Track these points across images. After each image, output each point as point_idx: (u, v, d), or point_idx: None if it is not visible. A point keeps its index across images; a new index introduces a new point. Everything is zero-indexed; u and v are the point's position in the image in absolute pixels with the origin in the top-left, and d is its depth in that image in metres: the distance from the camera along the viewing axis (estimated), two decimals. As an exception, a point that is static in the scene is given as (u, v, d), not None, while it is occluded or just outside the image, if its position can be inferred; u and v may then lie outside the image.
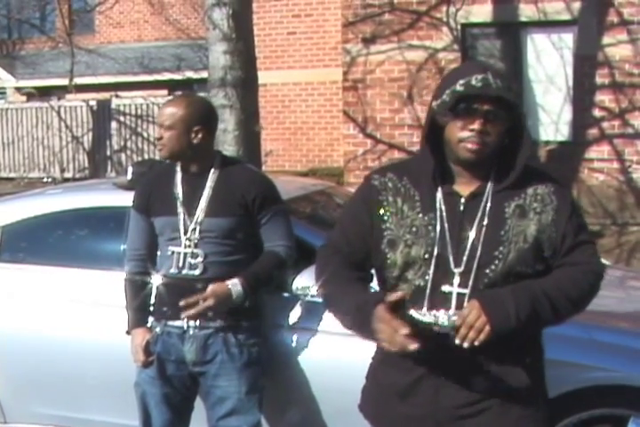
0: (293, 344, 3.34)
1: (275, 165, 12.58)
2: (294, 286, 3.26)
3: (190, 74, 16.30)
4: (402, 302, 2.00)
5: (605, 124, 9.17)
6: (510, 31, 9.51)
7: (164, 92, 16.30)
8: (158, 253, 3.21)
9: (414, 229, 2.15)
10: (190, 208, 3.09)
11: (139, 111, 15.16)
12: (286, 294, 3.33)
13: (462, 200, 2.16)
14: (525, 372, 2.16)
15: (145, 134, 15.04)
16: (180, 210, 3.10)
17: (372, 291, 2.16)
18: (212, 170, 3.13)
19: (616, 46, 9.01)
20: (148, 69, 16.89)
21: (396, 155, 9.74)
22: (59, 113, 15.63)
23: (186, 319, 3.08)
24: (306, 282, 3.20)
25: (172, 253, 3.10)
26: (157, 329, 3.17)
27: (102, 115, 15.44)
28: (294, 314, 3.33)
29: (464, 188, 2.17)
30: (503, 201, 2.15)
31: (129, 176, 3.78)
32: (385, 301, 1.99)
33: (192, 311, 2.95)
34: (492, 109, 2.07)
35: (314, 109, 12.77)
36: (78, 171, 15.53)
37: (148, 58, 17.36)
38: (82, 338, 3.65)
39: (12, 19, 21.24)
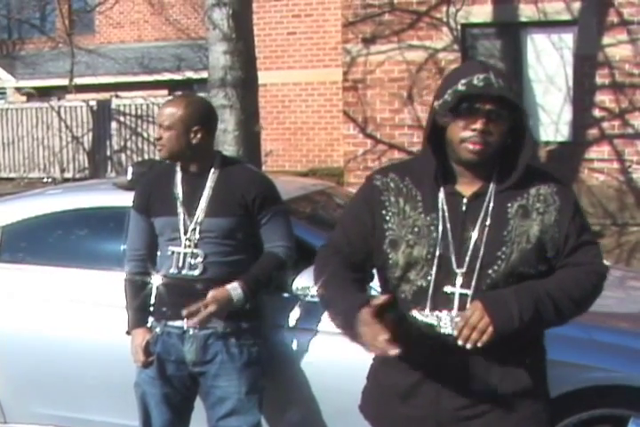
0: (293, 345, 3.33)
1: (275, 166, 12.58)
2: (294, 287, 3.26)
3: (190, 74, 16.30)
4: (387, 305, 1.99)
5: (605, 125, 9.17)
6: (510, 31, 9.51)
7: (164, 92, 16.30)
8: (158, 253, 3.21)
9: (416, 229, 2.15)
10: (190, 208, 3.09)
11: (139, 111, 15.16)
12: (286, 295, 3.33)
13: (464, 200, 2.15)
14: (528, 373, 2.16)
15: (145, 134, 15.04)
16: (180, 210, 3.09)
17: (362, 294, 2.11)
18: (212, 170, 3.12)
19: (616, 46, 9.01)
20: (148, 69, 16.89)
21: (396, 155, 9.74)
22: (59, 113, 15.64)
23: (186, 319, 3.08)
24: (306, 282, 3.20)
25: (172, 253, 3.10)
26: (157, 329, 3.17)
27: (102, 115, 15.44)
28: (294, 314, 3.33)
29: (466, 188, 2.16)
30: (506, 201, 2.14)
31: (129, 176, 3.78)
32: (370, 304, 1.97)
33: (195, 320, 2.95)
34: (494, 109, 2.06)
35: (314, 110, 12.77)
36: (78, 171, 15.53)
37: (148, 58, 17.36)
38: (82, 338, 3.65)
39: (12, 19, 21.23)
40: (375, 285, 2.42)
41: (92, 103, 15.55)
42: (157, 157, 3.91)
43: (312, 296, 3.18)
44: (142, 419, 3.23)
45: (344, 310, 2.05)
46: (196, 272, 3.06)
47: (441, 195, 2.16)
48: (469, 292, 2.09)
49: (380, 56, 9.85)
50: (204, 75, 7.77)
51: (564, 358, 2.96)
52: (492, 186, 2.15)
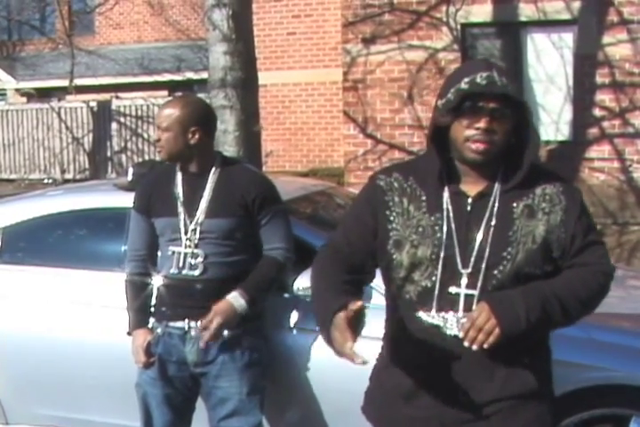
0: (294, 345, 3.33)
1: (275, 166, 12.58)
2: (295, 287, 3.26)
3: (190, 75, 16.30)
4: (363, 311, 1.94)
5: (606, 124, 9.16)
6: (510, 31, 9.51)
7: (165, 93, 16.30)
8: (159, 253, 3.21)
9: (420, 229, 2.13)
10: (191, 209, 3.09)
11: (139, 112, 15.17)
12: (287, 295, 3.33)
13: (469, 200, 2.13)
14: (533, 374, 2.14)
15: (145, 135, 15.05)
16: (181, 210, 3.09)
17: (344, 297, 2.02)
18: (213, 170, 3.12)
19: (616, 46, 9.01)
20: (148, 70, 16.89)
21: (397, 155, 9.74)
22: (59, 114, 15.64)
23: (187, 320, 3.08)
24: (306, 283, 3.18)
25: (173, 253, 3.10)
26: (158, 330, 3.17)
27: (103, 116, 15.45)
28: (295, 315, 3.33)
29: (471, 187, 2.14)
30: (511, 201, 2.13)
31: (129, 177, 3.78)
32: (347, 309, 1.93)
33: (207, 336, 2.96)
34: (498, 107, 2.05)
35: (314, 110, 12.77)
36: (79, 172, 15.54)
37: (148, 59, 17.36)
38: (83, 339, 3.65)
39: (12, 20, 21.22)
40: (375, 284, 2.42)
41: (93, 104, 15.56)
42: (158, 158, 3.92)
43: (313, 297, 3.18)
44: (143, 420, 3.22)
45: (322, 313, 2.03)
46: (197, 272, 3.06)
47: (445, 194, 2.14)
48: (475, 293, 2.07)
49: (380, 56, 9.85)
50: (205, 75, 7.77)
51: (564, 358, 2.94)
52: (497, 185, 2.13)
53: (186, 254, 3.07)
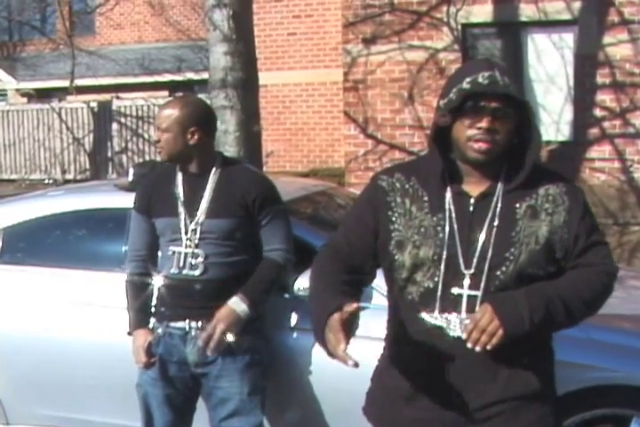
0: (295, 345, 3.33)
1: (276, 166, 12.58)
2: (296, 287, 3.26)
3: (191, 75, 16.30)
4: (358, 312, 1.93)
5: (606, 124, 9.16)
6: (511, 31, 9.51)
7: (165, 93, 16.30)
8: (159, 254, 3.21)
9: (422, 229, 2.12)
10: (191, 209, 3.08)
11: (139, 113, 15.17)
12: (288, 296, 3.33)
13: (472, 200, 2.12)
14: (536, 375, 2.13)
15: (146, 136, 15.05)
16: (181, 211, 3.09)
17: (340, 298, 2.01)
18: (213, 171, 3.12)
19: (617, 46, 9.00)
20: (149, 71, 16.89)
21: (397, 155, 9.73)
22: (60, 115, 15.65)
23: (187, 320, 3.08)
24: (307, 283, 3.19)
25: (173, 253, 3.10)
26: (159, 330, 3.17)
27: (103, 116, 15.46)
28: (296, 315, 3.33)
29: (474, 188, 2.14)
30: (514, 201, 2.12)
31: (130, 177, 3.78)
32: (342, 311, 1.92)
33: (212, 344, 2.96)
34: (500, 107, 2.04)
35: (314, 110, 12.77)
36: (79, 172, 15.54)
37: (149, 59, 17.36)
38: (83, 339, 3.65)
39: (13, 20, 21.22)
40: (376, 285, 2.42)
41: (93, 104, 15.57)
42: (158, 159, 3.92)
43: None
44: (144, 420, 3.22)
45: (318, 314, 2.02)
46: (197, 272, 3.06)
47: (448, 195, 2.13)
48: (478, 293, 2.06)
49: (381, 56, 9.85)
50: (205, 76, 7.78)
51: (565, 359, 2.94)
52: (499, 186, 2.12)
53: (186, 254, 3.07)
